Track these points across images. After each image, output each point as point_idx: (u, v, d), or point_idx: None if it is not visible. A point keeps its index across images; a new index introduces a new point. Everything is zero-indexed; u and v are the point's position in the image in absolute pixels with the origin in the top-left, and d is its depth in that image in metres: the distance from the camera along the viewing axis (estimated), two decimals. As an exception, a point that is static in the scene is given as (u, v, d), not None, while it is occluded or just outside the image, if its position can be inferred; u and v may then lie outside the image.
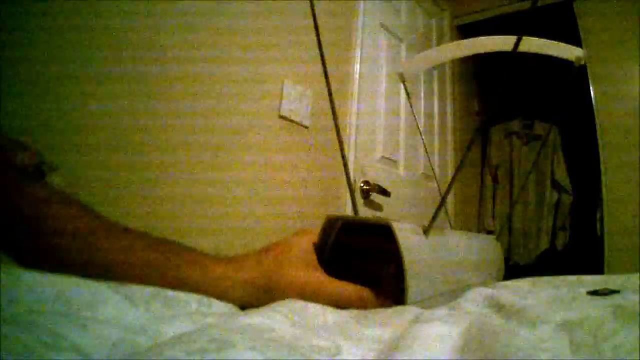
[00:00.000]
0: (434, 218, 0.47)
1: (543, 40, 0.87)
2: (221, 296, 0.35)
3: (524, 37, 0.77)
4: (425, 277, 0.41)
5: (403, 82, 1.06)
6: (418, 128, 1.24)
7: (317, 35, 0.53)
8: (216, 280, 0.35)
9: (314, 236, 0.40)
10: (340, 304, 0.36)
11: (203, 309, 0.30)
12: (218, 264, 0.37)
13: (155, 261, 0.34)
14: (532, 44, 0.87)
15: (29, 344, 0.16)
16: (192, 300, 0.30)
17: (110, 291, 0.24)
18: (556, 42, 0.87)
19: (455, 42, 1.09)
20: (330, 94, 0.51)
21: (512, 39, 0.73)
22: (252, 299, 0.36)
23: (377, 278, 0.39)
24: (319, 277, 0.37)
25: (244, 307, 0.37)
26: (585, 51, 0.86)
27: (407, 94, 1.10)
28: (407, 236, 0.39)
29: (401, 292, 0.36)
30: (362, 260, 0.41)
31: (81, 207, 0.34)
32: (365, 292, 0.37)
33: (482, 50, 0.97)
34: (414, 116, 1.19)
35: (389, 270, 0.38)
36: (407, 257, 0.37)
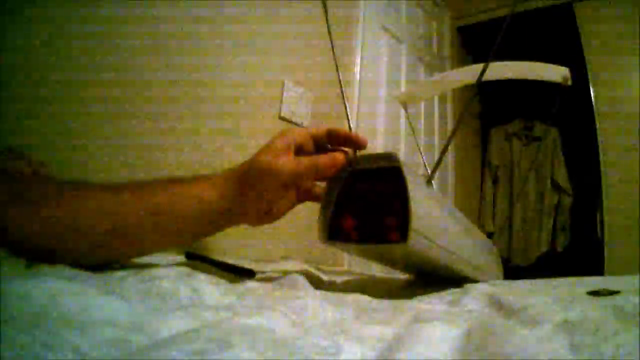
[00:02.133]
0: (437, 164, 0.49)
1: (526, 64, 0.86)
2: (201, 201, 0.40)
3: (508, 63, 0.77)
4: (428, 217, 0.42)
5: (405, 109, 1.09)
6: (417, 145, 1.27)
7: (330, 35, 0.54)
8: (193, 188, 0.41)
9: (293, 132, 0.45)
10: (309, 176, 0.44)
11: (195, 300, 0.30)
12: (195, 182, 0.42)
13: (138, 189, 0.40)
14: (517, 69, 0.86)
15: (27, 343, 0.16)
16: (183, 293, 0.30)
17: (102, 294, 0.24)
18: (541, 64, 0.86)
19: (442, 74, 1.16)
20: (342, 93, 0.54)
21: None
22: (228, 194, 0.42)
23: (381, 214, 0.40)
24: (284, 159, 0.42)
25: (222, 212, 0.42)
26: (569, 70, 0.85)
27: (409, 121, 1.13)
28: (413, 174, 0.41)
29: (405, 227, 0.37)
30: (368, 200, 0.42)
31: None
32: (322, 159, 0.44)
33: (459, 85, 1.00)
34: (414, 137, 1.22)
35: (394, 206, 0.39)
36: (412, 191, 0.38)
